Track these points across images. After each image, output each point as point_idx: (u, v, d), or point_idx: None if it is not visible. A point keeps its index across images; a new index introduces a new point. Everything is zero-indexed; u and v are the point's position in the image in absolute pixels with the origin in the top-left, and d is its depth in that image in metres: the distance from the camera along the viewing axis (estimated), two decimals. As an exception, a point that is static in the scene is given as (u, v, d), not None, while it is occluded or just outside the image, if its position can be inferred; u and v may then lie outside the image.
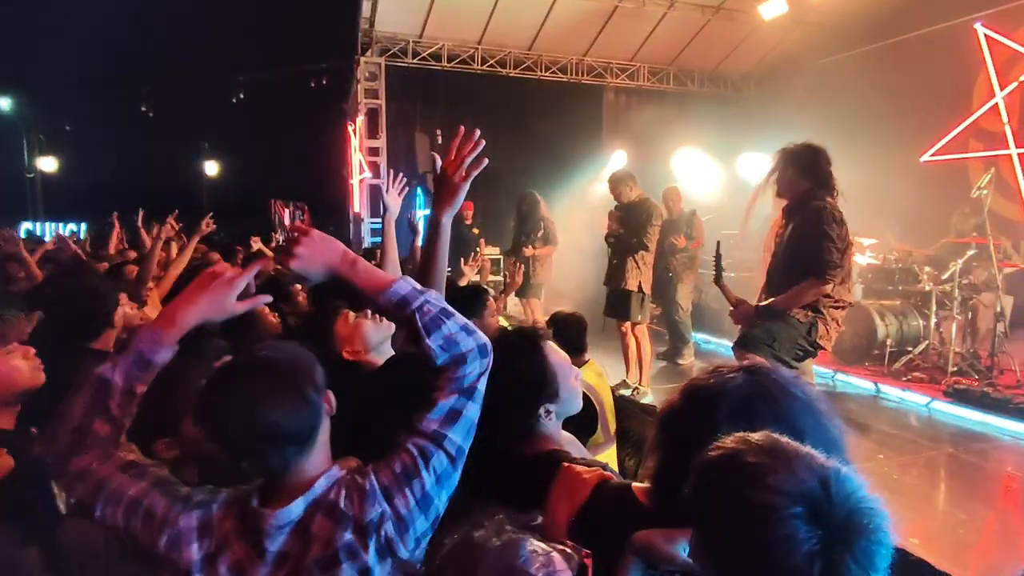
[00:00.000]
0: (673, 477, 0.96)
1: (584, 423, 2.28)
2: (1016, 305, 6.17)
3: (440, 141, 9.79)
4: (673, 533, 0.99)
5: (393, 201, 2.72)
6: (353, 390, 1.65)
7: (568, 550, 0.95)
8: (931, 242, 7.01)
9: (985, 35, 7.50)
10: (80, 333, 2.43)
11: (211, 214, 4.53)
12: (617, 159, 10.77)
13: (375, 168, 9.95)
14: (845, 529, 0.76)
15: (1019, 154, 7.27)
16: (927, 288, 6.21)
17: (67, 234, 10.77)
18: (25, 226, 16.10)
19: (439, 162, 1.70)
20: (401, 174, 2.83)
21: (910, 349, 6.27)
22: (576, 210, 9.77)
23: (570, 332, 2.83)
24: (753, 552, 0.78)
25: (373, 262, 1.55)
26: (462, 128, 1.66)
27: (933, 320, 6.15)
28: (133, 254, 5.39)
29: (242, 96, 14.11)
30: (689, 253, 7.12)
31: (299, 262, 1.22)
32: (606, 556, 1.09)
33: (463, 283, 4.31)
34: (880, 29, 8.80)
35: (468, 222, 8.51)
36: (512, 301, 7.10)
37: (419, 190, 10.36)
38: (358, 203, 10.70)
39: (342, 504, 1.15)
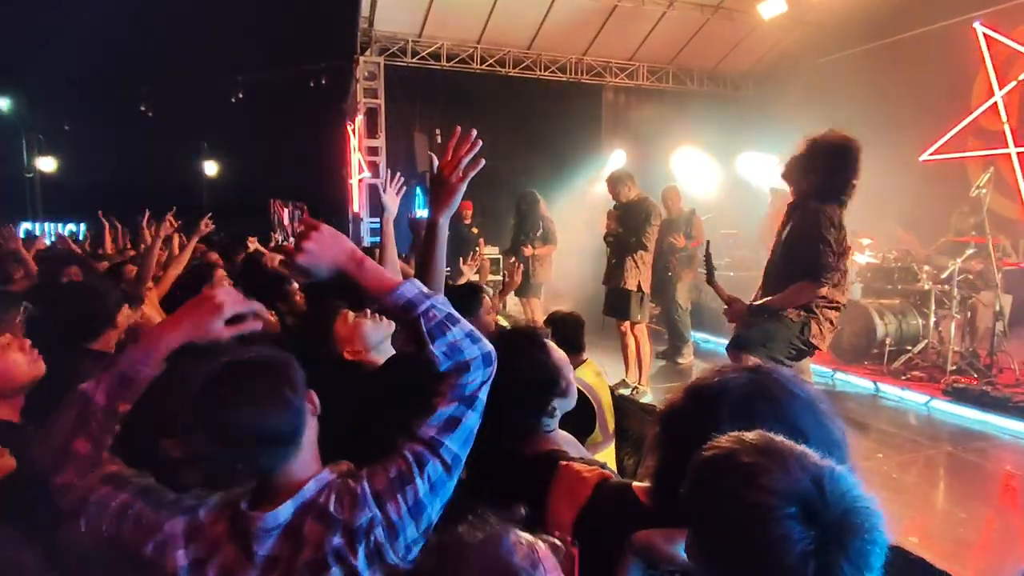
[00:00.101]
0: (674, 477, 0.96)
1: (582, 422, 2.28)
2: (1015, 304, 6.18)
3: (439, 140, 9.79)
4: (673, 533, 0.99)
5: (391, 201, 2.71)
6: (355, 390, 1.66)
7: (557, 542, 0.95)
8: (930, 241, 7.02)
9: (984, 34, 7.51)
10: (79, 333, 2.42)
11: (210, 214, 4.53)
12: (616, 158, 10.78)
13: (374, 168, 9.95)
14: (839, 528, 0.76)
15: (1018, 153, 7.27)
16: (926, 287, 6.21)
17: (67, 234, 10.77)
18: (24, 226, 16.09)
19: (436, 162, 1.69)
20: (399, 174, 2.82)
21: (909, 348, 6.27)
22: (576, 209, 9.77)
23: (568, 331, 2.82)
24: (747, 552, 0.79)
25: (373, 261, 1.54)
26: (458, 128, 1.65)
27: (932, 319, 6.15)
28: (132, 252, 5.39)
29: (241, 96, 14.10)
30: (688, 252, 7.12)
31: (307, 257, 1.20)
32: (606, 555, 1.09)
33: (461, 282, 4.30)
34: (879, 28, 8.81)
35: (467, 221, 8.51)
36: (512, 301, 7.11)
37: (418, 190, 10.36)
38: (357, 203, 10.70)
39: (332, 508, 1.14)
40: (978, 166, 7.28)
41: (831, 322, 3.42)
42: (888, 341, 6.25)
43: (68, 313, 2.40)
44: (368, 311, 2.10)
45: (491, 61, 10.34)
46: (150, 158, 21.79)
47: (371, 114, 10.00)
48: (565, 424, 1.72)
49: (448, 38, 10.01)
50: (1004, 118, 7.41)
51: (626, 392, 5.42)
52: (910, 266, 6.53)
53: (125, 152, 21.93)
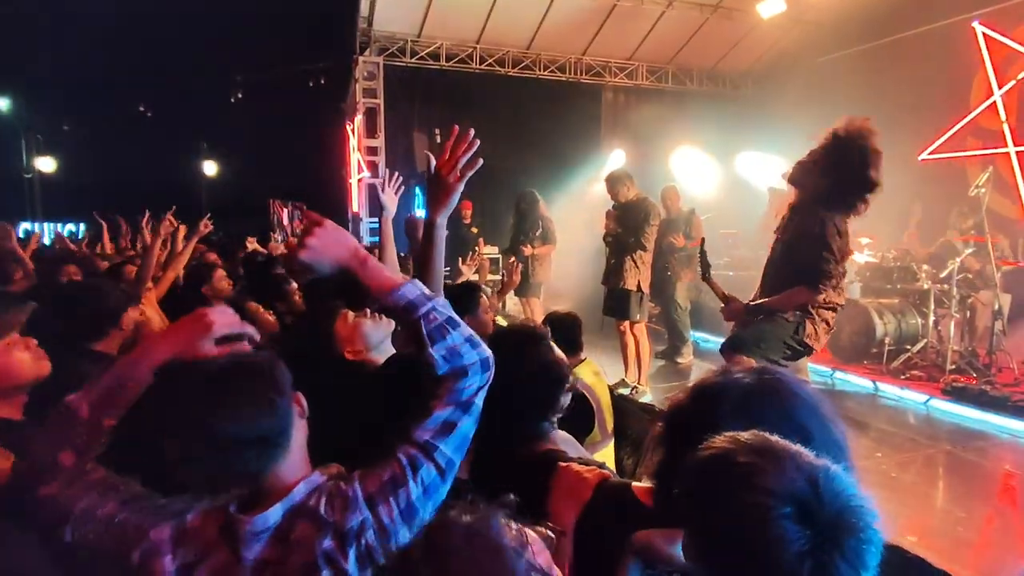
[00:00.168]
0: (676, 476, 0.96)
1: (581, 422, 2.28)
2: (1014, 303, 6.19)
3: (439, 140, 9.79)
4: (673, 533, 0.99)
5: (390, 200, 2.71)
6: (358, 390, 1.66)
7: (549, 533, 0.95)
8: (930, 240, 7.02)
9: (983, 33, 7.50)
10: (82, 333, 2.41)
11: (209, 215, 4.52)
12: (616, 158, 10.78)
13: (373, 167, 9.94)
14: (835, 528, 0.76)
15: (1017, 152, 7.27)
16: (925, 286, 6.21)
17: (66, 234, 10.76)
18: (23, 226, 16.09)
19: (433, 162, 1.68)
20: (397, 173, 2.82)
21: (908, 347, 6.28)
22: (575, 209, 9.78)
23: (566, 331, 2.82)
24: (743, 552, 0.79)
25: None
26: (456, 128, 1.64)
27: (931, 318, 6.15)
28: (132, 252, 5.39)
29: (240, 96, 14.11)
30: (688, 252, 7.12)
31: (310, 253, 1.19)
32: (607, 556, 1.09)
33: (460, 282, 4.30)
34: (878, 27, 8.81)
35: (467, 221, 8.51)
36: (511, 300, 7.11)
37: (417, 189, 10.35)
38: (356, 203, 10.70)
39: (322, 510, 1.13)
40: (977, 165, 7.29)
41: (827, 323, 3.42)
42: (887, 340, 6.25)
43: (71, 313, 2.40)
44: (368, 311, 2.10)
45: (490, 61, 10.34)
46: (149, 158, 21.76)
47: (370, 114, 9.99)
48: (564, 424, 1.72)
49: (447, 38, 10.01)
50: (1003, 117, 7.40)
51: (625, 392, 5.43)
52: (909, 265, 6.53)
53: (124, 152, 21.91)
